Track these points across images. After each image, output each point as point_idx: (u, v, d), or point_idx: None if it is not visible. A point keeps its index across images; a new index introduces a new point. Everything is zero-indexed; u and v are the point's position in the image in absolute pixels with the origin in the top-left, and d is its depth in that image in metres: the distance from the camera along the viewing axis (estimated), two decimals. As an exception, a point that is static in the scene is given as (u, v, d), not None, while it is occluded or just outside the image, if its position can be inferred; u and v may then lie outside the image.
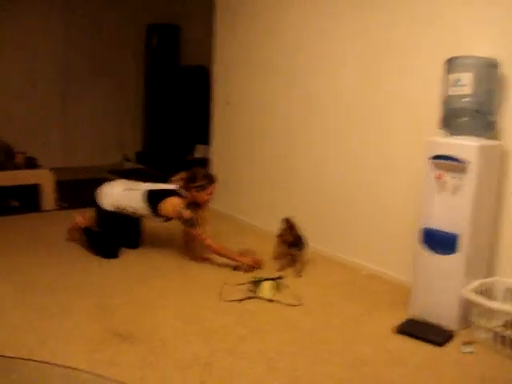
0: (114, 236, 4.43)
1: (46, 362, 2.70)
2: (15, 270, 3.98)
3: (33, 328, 3.08)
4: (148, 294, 3.67)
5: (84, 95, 8.49)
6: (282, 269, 4.19)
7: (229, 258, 4.20)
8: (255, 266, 4.18)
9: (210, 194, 4.33)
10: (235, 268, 4.13)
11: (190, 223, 4.15)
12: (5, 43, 7.66)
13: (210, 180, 4.34)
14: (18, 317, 3.22)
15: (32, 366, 2.67)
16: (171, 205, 4.20)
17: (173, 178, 4.45)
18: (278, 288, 3.74)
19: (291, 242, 4.21)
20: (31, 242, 4.65)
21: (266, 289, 3.67)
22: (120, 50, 8.75)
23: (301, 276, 4.13)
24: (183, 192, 4.29)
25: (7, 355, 2.75)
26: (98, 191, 4.46)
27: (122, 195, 4.35)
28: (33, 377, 2.58)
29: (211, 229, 4.95)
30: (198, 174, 4.32)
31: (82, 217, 4.61)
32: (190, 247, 4.45)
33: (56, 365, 2.68)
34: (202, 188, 4.27)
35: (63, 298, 3.51)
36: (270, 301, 3.60)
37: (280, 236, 4.25)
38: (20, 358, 2.73)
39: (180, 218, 4.16)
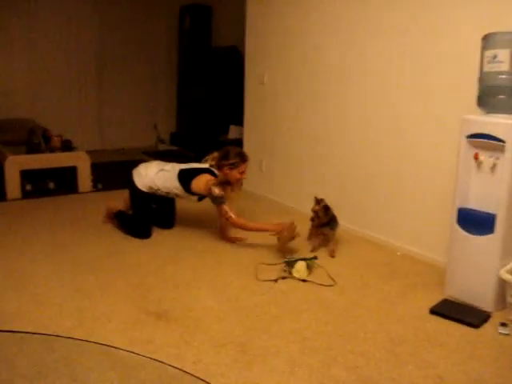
0: (146, 216, 4.49)
1: (86, 340, 2.76)
2: (53, 250, 4.07)
3: (70, 307, 3.14)
4: (182, 273, 3.71)
5: (118, 78, 8.56)
6: (314, 249, 4.20)
7: (258, 230, 4.20)
8: (290, 232, 4.05)
9: (243, 172, 4.32)
10: (278, 239, 4.07)
11: (218, 200, 4.15)
12: (39, 29, 7.75)
13: (243, 158, 4.32)
14: (57, 296, 3.29)
15: (71, 344, 2.73)
16: (202, 182, 4.21)
17: (206, 158, 4.47)
18: (311, 268, 3.75)
19: (324, 222, 4.21)
20: (68, 223, 4.74)
21: (301, 269, 3.68)
22: (153, 32, 8.78)
23: (334, 256, 4.13)
24: (215, 170, 4.32)
25: (47, 333, 2.82)
26: (133, 172, 4.50)
27: (156, 176, 4.38)
28: (73, 354, 2.64)
29: (245, 210, 5.00)
30: (231, 152, 4.30)
31: (116, 202, 4.69)
32: (223, 228, 4.48)
33: (94, 342, 2.74)
34: (235, 166, 4.26)
35: (100, 278, 3.58)
36: (304, 281, 3.61)
37: (313, 217, 4.24)
38: (60, 336, 2.79)
39: (209, 194, 4.17)
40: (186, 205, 4.84)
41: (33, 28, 7.71)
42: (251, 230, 4.20)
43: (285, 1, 5.31)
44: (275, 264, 3.83)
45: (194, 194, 4.33)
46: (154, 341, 2.78)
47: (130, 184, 4.49)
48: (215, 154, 4.40)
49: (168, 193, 4.40)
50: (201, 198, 4.44)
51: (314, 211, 4.23)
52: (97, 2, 8.16)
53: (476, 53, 3.31)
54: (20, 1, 7.53)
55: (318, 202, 4.25)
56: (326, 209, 4.22)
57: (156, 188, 4.38)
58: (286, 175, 5.54)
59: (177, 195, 4.44)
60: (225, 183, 4.32)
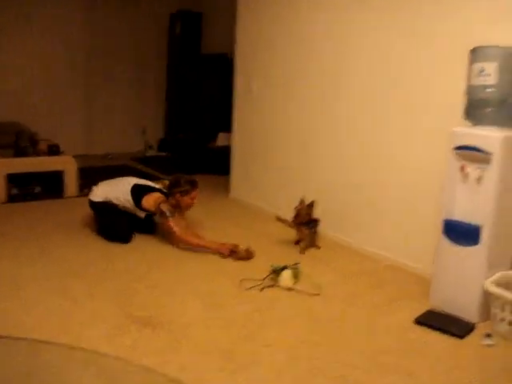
0: (118, 220, 4.51)
1: (69, 346, 2.75)
2: (40, 255, 4.05)
3: (56, 312, 3.13)
4: (169, 280, 3.70)
5: (107, 82, 8.54)
6: (302, 251, 4.36)
7: (202, 247, 4.26)
8: (237, 253, 4.17)
9: (193, 198, 4.46)
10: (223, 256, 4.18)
11: (164, 215, 4.26)
12: (26, 32, 7.71)
13: (194, 185, 4.45)
14: (43, 300, 3.27)
15: (57, 350, 2.71)
16: (153, 198, 4.35)
17: (157, 182, 4.64)
18: (297, 276, 3.75)
19: (303, 221, 4.38)
20: (54, 228, 4.71)
21: (287, 277, 3.68)
22: (143, 38, 8.77)
23: (303, 253, 4.31)
24: (166, 194, 4.44)
25: (31, 338, 2.80)
26: (90, 195, 4.67)
27: (110, 188, 4.55)
28: (57, 360, 2.62)
29: (232, 217, 5.01)
30: (182, 180, 4.44)
31: None
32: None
33: (78, 348, 2.73)
34: (186, 192, 4.40)
35: (86, 283, 3.56)
36: (290, 289, 3.61)
37: (294, 215, 4.40)
38: (43, 342, 2.77)
39: (157, 209, 4.29)
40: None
41: (21, 31, 7.66)
42: (195, 246, 4.28)
43: (275, 10, 5.33)
44: (259, 280, 3.80)
45: (143, 209, 4.41)
46: (139, 347, 2.77)
47: (90, 206, 4.63)
48: (166, 182, 4.59)
49: (118, 204, 4.48)
50: (148, 215, 4.49)
51: (296, 210, 4.38)
52: (86, 7, 8.14)
53: (463, 66, 3.34)
54: (8, 7, 7.50)
55: (302, 202, 4.41)
56: (310, 207, 4.40)
57: (109, 199, 4.48)
58: (274, 183, 5.55)
59: (127, 208, 4.47)
60: (175, 207, 4.40)
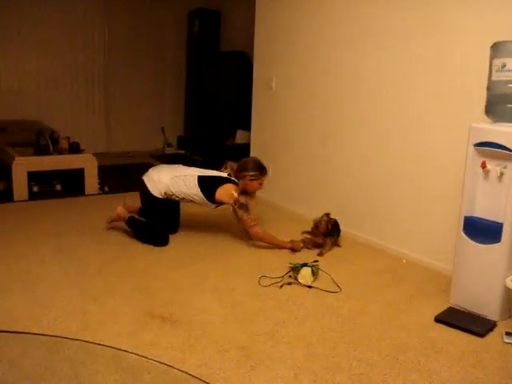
0: (163, 222, 4.48)
1: (91, 342, 2.77)
2: (60, 252, 4.08)
3: (76, 309, 3.15)
4: (188, 278, 3.71)
5: (126, 81, 8.59)
6: (321, 254, 4.28)
7: (275, 245, 4.33)
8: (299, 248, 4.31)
9: (261, 183, 4.47)
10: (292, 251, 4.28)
11: (246, 207, 4.27)
12: (47, 31, 7.79)
13: (263, 171, 4.46)
14: (62, 298, 3.30)
15: (76, 346, 2.74)
16: (227, 190, 4.32)
17: (223, 167, 4.58)
18: (316, 274, 3.75)
19: (323, 232, 4.39)
20: (74, 226, 4.75)
21: (306, 275, 3.68)
22: (162, 36, 8.81)
23: (322, 255, 4.25)
24: (236, 181, 4.43)
25: (53, 334, 2.83)
26: (144, 178, 4.48)
27: (171, 182, 4.37)
28: (78, 356, 2.64)
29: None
30: (250, 164, 4.45)
31: (123, 207, 4.61)
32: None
33: (100, 344, 2.75)
34: (256, 177, 4.40)
35: (106, 281, 3.59)
36: (309, 287, 3.60)
37: (313, 228, 4.44)
38: (65, 338, 2.80)
39: (236, 202, 4.28)
40: (191, 210, 4.85)
41: (42, 31, 7.74)
42: (269, 243, 4.34)
43: (294, 6, 5.32)
44: (278, 278, 3.81)
45: (215, 202, 4.41)
46: (159, 344, 2.79)
47: (142, 191, 4.47)
48: (232, 164, 4.52)
49: (183, 198, 4.42)
50: (217, 205, 4.49)
51: (315, 222, 4.43)
52: (105, 5, 8.19)
53: (485, 61, 3.31)
54: (30, 5, 7.57)
55: (327, 215, 4.43)
56: (334, 224, 4.43)
57: (171, 194, 4.39)
58: (293, 181, 5.54)
59: (194, 201, 4.44)
60: (243, 193, 4.43)
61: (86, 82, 8.27)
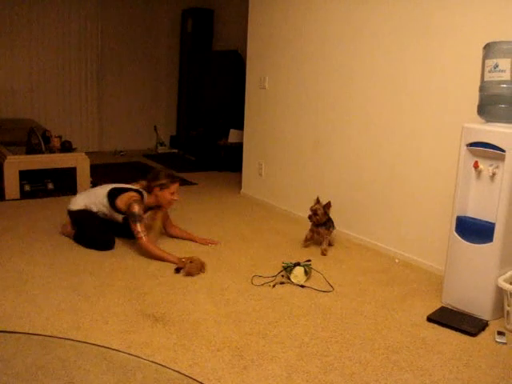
0: (98, 227, 4.31)
1: (83, 342, 2.76)
2: (51, 251, 4.07)
3: (67, 308, 3.14)
4: (180, 277, 3.71)
5: (119, 79, 8.59)
6: (305, 245, 4.39)
7: (162, 259, 3.98)
8: (192, 269, 3.81)
9: (173, 193, 4.23)
10: (177, 270, 3.86)
11: (133, 218, 4.01)
12: (40, 30, 7.77)
13: (173, 179, 4.25)
14: (54, 297, 3.29)
15: (68, 345, 2.73)
16: (126, 197, 4.14)
17: (134, 185, 4.35)
18: (309, 273, 3.75)
19: (322, 221, 4.33)
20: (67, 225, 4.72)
21: (299, 274, 3.68)
22: (155, 35, 8.81)
23: (325, 254, 4.25)
24: (145, 193, 4.26)
25: (45, 334, 2.82)
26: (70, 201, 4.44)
27: (87, 194, 4.43)
28: (70, 356, 2.63)
29: (243, 214, 5.00)
30: (160, 174, 4.25)
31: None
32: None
33: (92, 344, 2.74)
34: (165, 186, 4.19)
35: (97, 280, 3.57)
36: (302, 286, 3.61)
37: (311, 215, 4.35)
38: (57, 337, 2.79)
39: (128, 209, 4.06)
40: (184, 210, 4.84)
41: (35, 29, 7.73)
42: (155, 257, 4.01)
43: (287, 6, 5.32)
44: (271, 277, 3.81)
45: (118, 211, 4.20)
46: (151, 343, 2.78)
47: (69, 216, 4.39)
48: (143, 182, 4.34)
49: (97, 211, 4.30)
50: (125, 218, 4.19)
51: (313, 210, 4.32)
52: (98, 4, 8.18)
53: (477, 61, 3.32)
54: (23, 4, 7.54)
55: (318, 201, 4.35)
56: (327, 208, 4.35)
57: (88, 207, 4.31)
58: (286, 180, 5.54)
59: (105, 214, 4.30)
60: (155, 207, 4.30)
61: (78, 81, 8.26)
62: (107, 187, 4.32)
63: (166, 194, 4.21)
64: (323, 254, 4.28)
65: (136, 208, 4.04)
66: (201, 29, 8.52)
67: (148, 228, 4.16)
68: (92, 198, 4.33)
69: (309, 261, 3.85)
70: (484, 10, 3.54)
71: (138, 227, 4.01)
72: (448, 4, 3.76)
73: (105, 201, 4.23)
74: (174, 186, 4.23)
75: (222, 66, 7.91)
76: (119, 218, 4.25)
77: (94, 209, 4.30)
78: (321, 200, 4.36)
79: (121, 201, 4.16)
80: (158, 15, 8.73)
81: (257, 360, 2.67)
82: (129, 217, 4.06)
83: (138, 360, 2.61)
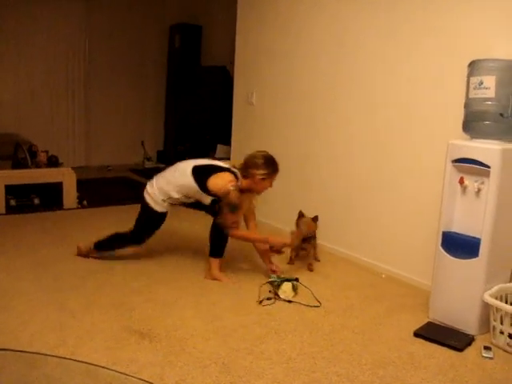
0: (146, 231, 4.10)
1: (68, 358, 2.73)
2: (37, 267, 4.03)
3: (53, 325, 3.11)
4: (166, 292, 3.69)
5: (106, 94, 8.58)
6: (291, 261, 4.40)
7: (257, 241, 4.02)
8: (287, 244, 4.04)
9: (271, 183, 3.95)
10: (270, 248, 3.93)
11: (231, 207, 3.66)
12: (26, 44, 7.76)
13: (276, 168, 3.91)
14: (39, 313, 3.25)
15: (55, 362, 2.70)
16: (222, 180, 3.72)
17: (230, 163, 4.09)
18: (296, 289, 3.75)
19: (305, 235, 4.29)
20: (52, 240, 4.70)
21: (287, 289, 3.68)
22: (143, 50, 8.83)
23: (312, 270, 4.26)
24: (238, 174, 3.87)
25: (30, 351, 2.79)
26: (144, 195, 4.03)
27: (166, 180, 3.94)
28: (56, 372, 2.61)
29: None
30: (260, 160, 3.87)
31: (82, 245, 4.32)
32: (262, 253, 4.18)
33: (78, 361, 2.71)
34: (268, 176, 3.86)
35: (83, 296, 3.55)
36: (290, 302, 3.60)
37: (295, 231, 4.31)
38: (43, 354, 2.76)
39: (225, 196, 3.66)
40: (172, 225, 4.83)
41: (20, 43, 7.71)
42: (249, 241, 4.04)
43: (274, 22, 5.36)
44: (259, 294, 3.81)
45: (209, 194, 3.78)
46: (138, 360, 2.76)
47: (143, 205, 4.06)
48: (236, 163, 4.01)
49: (184, 195, 3.91)
50: (214, 201, 3.81)
51: (297, 224, 4.33)
52: (86, 19, 8.19)
53: (463, 79, 3.35)
54: (7, 16, 7.53)
55: (302, 215, 4.36)
56: (314, 221, 4.34)
57: (171, 196, 3.91)
58: (273, 195, 5.53)
59: (190, 197, 3.91)
60: (245, 191, 3.89)
61: (65, 95, 8.24)
62: (188, 167, 3.86)
63: (266, 184, 3.90)
64: (310, 269, 4.28)
65: (235, 197, 3.65)
66: (189, 45, 8.55)
67: None
68: (175, 183, 3.88)
69: (297, 279, 3.84)
70: (469, 27, 3.59)
71: (235, 217, 3.73)
72: (434, 22, 3.81)
73: (192, 184, 3.80)
74: (275, 175, 3.93)
75: (209, 81, 7.93)
76: (207, 200, 3.85)
77: (176, 195, 3.88)
78: (306, 214, 4.38)
79: (215, 183, 3.73)
80: (145, 31, 8.76)
81: (244, 376, 2.66)
82: (224, 204, 3.68)
83: (125, 377, 2.59)
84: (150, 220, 4.07)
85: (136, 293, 3.65)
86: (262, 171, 3.83)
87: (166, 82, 9.02)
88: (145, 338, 3.00)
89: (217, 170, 3.84)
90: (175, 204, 4.03)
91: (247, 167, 3.87)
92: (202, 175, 3.78)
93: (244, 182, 3.87)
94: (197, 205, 4.00)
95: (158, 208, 3.98)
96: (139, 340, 2.98)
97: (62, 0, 7.92)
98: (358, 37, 4.43)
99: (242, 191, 3.81)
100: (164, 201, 3.95)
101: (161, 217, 4.03)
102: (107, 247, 4.23)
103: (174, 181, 3.90)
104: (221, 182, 3.71)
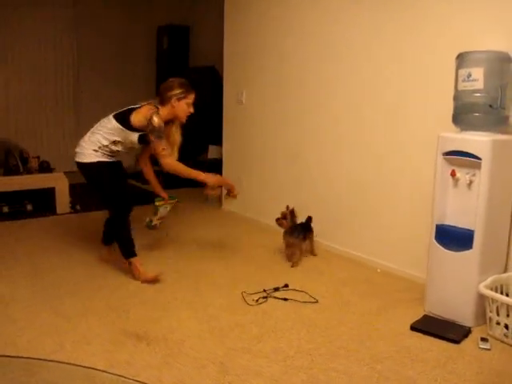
0: (121, 189, 4.05)
1: (66, 363, 2.73)
2: (32, 273, 4.02)
3: (50, 330, 3.10)
4: (162, 294, 3.69)
5: (96, 97, 8.53)
6: (294, 264, 4.30)
7: (191, 177, 3.89)
8: (225, 186, 4.10)
9: (189, 104, 3.93)
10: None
11: (156, 133, 3.71)
12: (15, 49, 7.72)
13: (189, 88, 3.92)
14: (36, 319, 3.25)
15: (52, 367, 2.69)
16: (143, 111, 3.79)
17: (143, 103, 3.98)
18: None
19: (288, 229, 4.31)
20: (46, 245, 4.69)
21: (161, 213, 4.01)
22: (131, 51, 8.80)
23: (295, 266, 4.25)
24: (159, 105, 3.88)
25: (28, 356, 2.78)
26: (76, 158, 4.04)
27: (92, 132, 4.01)
28: (54, 377, 2.60)
29: (224, 229, 4.99)
30: (175, 83, 3.89)
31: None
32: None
33: (76, 365, 2.71)
34: (183, 95, 3.86)
35: (79, 300, 3.54)
36: (286, 299, 3.60)
37: (279, 218, 4.34)
38: (41, 359, 2.75)
39: (149, 124, 3.70)
40: (164, 226, 4.82)
41: (9, 47, 7.67)
42: (184, 175, 3.88)
43: (262, 21, 5.36)
44: (257, 293, 3.81)
45: (134, 129, 3.81)
46: (135, 363, 2.75)
47: (84, 171, 4.01)
48: (152, 101, 3.96)
49: (110, 144, 3.91)
50: (141, 136, 3.83)
51: (282, 214, 4.34)
52: (74, 22, 8.16)
53: (451, 71, 3.36)
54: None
55: (287, 207, 4.34)
56: (292, 215, 4.31)
57: (102, 144, 3.90)
58: (266, 194, 5.55)
59: (116, 143, 3.90)
60: (170, 119, 3.94)
61: (55, 99, 8.20)
62: (110, 115, 3.96)
63: (182, 104, 3.89)
64: (293, 265, 4.27)
65: (157, 121, 3.71)
66: (177, 45, 8.53)
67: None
68: (101, 131, 3.92)
69: (286, 285, 3.84)
70: (457, 20, 3.60)
71: (163, 143, 3.75)
72: (423, 15, 3.82)
73: (117, 126, 3.84)
74: (191, 96, 3.93)
75: (198, 82, 7.86)
76: (134, 137, 3.86)
77: (105, 142, 3.88)
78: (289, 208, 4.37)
79: (136, 116, 3.79)
80: (133, 32, 8.73)
81: (242, 375, 2.66)
82: (150, 133, 3.72)
83: (123, 380, 2.59)
84: (99, 179, 3.97)
85: (130, 296, 3.64)
86: (176, 91, 3.85)
87: (156, 83, 8.99)
88: (141, 341, 2.99)
89: (135, 108, 3.87)
90: (111, 156, 3.98)
91: (162, 93, 3.89)
92: (123, 116, 3.85)
93: (163, 110, 3.87)
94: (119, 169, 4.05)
95: (93, 159, 3.92)
96: (136, 343, 2.97)
97: (49, 5, 7.88)
98: (346, 36, 4.43)
99: (165, 123, 3.86)
100: (96, 151, 3.91)
101: (103, 167, 3.94)
102: (126, 242, 3.96)
103: (100, 128, 3.95)
104: (141, 113, 3.78)
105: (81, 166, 3.98)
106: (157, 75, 8.92)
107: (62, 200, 5.87)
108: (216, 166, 6.30)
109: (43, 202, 5.90)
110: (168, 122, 3.93)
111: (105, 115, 4.06)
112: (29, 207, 5.85)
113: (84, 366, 2.70)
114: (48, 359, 2.76)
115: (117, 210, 3.96)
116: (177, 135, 4.07)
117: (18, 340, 2.96)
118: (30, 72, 7.91)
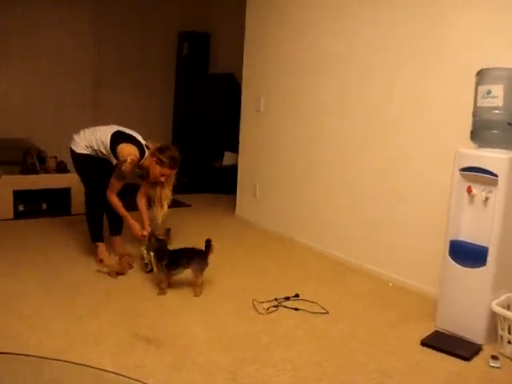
0: (93, 181, 4.40)
1: (75, 363, 2.74)
2: (44, 272, 4.05)
3: (60, 330, 3.12)
4: (173, 299, 3.69)
5: (114, 102, 8.58)
6: (196, 293, 3.82)
7: (122, 216, 4.25)
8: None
9: (163, 175, 4.22)
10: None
11: (118, 174, 4.07)
12: (37, 48, 7.78)
13: (173, 165, 4.25)
14: (46, 318, 3.26)
15: (61, 366, 2.70)
16: (128, 150, 4.11)
17: (144, 141, 4.38)
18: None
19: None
20: (60, 245, 4.73)
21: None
22: (151, 57, 8.84)
23: (198, 295, 3.80)
24: (148, 152, 4.24)
25: (37, 355, 2.79)
26: (71, 144, 4.46)
27: (92, 131, 4.39)
28: (62, 377, 2.61)
29: (236, 236, 4.98)
30: (169, 152, 4.24)
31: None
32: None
33: (85, 365, 2.72)
34: (162, 164, 4.18)
35: (90, 301, 3.56)
36: (297, 309, 3.59)
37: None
38: (50, 358, 2.76)
39: (120, 163, 4.06)
40: (177, 232, 4.84)
41: (30, 48, 7.73)
42: (116, 210, 4.22)
43: (283, 29, 5.38)
44: (267, 301, 3.81)
45: (115, 156, 4.16)
46: (144, 366, 2.76)
47: (73, 158, 4.45)
48: (156, 144, 4.30)
49: (98, 151, 4.29)
50: (116, 164, 4.16)
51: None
52: (95, 24, 8.21)
53: (470, 88, 3.35)
54: (17, 21, 7.57)
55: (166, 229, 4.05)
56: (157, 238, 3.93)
57: (92, 145, 4.30)
58: (281, 202, 5.55)
59: (103, 154, 4.28)
60: (144, 170, 4.30)
61: (74, 101, 8.25)
62: (113, 128, 4.31)
63: (156, 170, 4.19)
64: (196, 294, 3.79)
65: (127, 169, 4.05)
66: (197, 52, 8.58)
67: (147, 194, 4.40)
68: (97, 135, 4.28)
69: (297, 295, 3.83)
70: (477, 36, 3.59)
71: (116, 183, 4.10)
72: (442, 30, 3.82)
73: (107, 142, 4.18)
74: (169, 171, 4.24)
75: (217, 89, 7.95)
76: (113, 161, 4.19)
77: (95, 147, 4.27)
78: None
79: (121, 151, 4.10)
80: (153, 38, 8.78)
81: None
82: (116, 167, 4.09)
83: (132, 382, 2.59)
84: (84, 168, 4.39)
85: (143, 299, 3.65)
86: (161, 156, 4.17)
87: (174, 89, 9.04)
88: (151, 344, 3.00)
89: (132, 141, 4.21)
90: (95, 156, 4.33)
91: (157, 149, 4.22)
92: (117, 139, 4.18)
93: (148, 159, 4.22)
94: (107, 164, 4.26)
95: (83, 150, 4.33)
96: (146, 346, 2.98)
97: (70, 7, 7.95)
98: (367, 44, 4.44)
99: (141, 168, 4.27)
100: (87, 147, 4.32)
101: (89, 160, 4.34)
102: (92, 226, 4.48)
103: (98, 133, 4.29)
104: (125, 151, 4.09)
105: (72, 153, 4.41)
106: (176, 80, 8.97)
107: (77, 200, 5.90)
108: (231, 172, 6.32)
109: (58, 202, 5.94)
110: (150, 182, 4.34)
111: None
112: (44, 206, 5.90)
113: (93, 367, 2.70)
114: (57, 359, 2.77)
115: (90, 198, 4.43)
116: (168, 191, 4.39)
117: (28, 338, 2.98)
118: (50, 75, 7.95)
